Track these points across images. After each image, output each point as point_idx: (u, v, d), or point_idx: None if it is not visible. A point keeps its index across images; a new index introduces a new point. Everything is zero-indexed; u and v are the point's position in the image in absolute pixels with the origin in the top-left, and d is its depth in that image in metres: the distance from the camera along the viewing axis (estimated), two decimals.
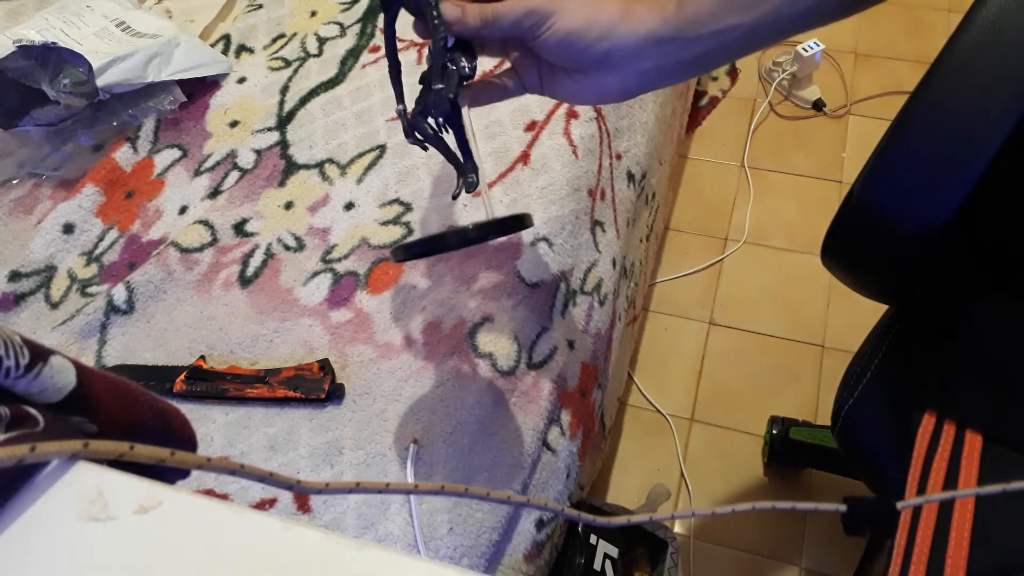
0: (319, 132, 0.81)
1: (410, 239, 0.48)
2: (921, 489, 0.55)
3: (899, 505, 0.37)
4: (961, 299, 0.62)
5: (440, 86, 0.47)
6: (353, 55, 0.87)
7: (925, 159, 0.54)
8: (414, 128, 0.49)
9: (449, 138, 0.50)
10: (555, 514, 0.68)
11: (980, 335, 0.61)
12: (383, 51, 0.88)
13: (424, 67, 0.49)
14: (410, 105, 0.51)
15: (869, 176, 0.56)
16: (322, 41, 0.89)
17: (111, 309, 0.70)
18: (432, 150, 0.51)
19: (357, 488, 0.25)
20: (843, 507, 0.37)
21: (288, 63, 0.88)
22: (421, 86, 0.49)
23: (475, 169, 0.50)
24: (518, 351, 0.66)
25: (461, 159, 0.50)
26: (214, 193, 0.78)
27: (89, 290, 0.73)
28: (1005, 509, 0.53)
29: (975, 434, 0.58)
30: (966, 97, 0.53)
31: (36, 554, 0.24)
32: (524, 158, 0.75)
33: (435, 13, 0.45)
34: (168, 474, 0.29)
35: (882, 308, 0.73)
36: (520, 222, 0.48)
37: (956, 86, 0.53)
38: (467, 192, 0.50)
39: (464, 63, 0.47)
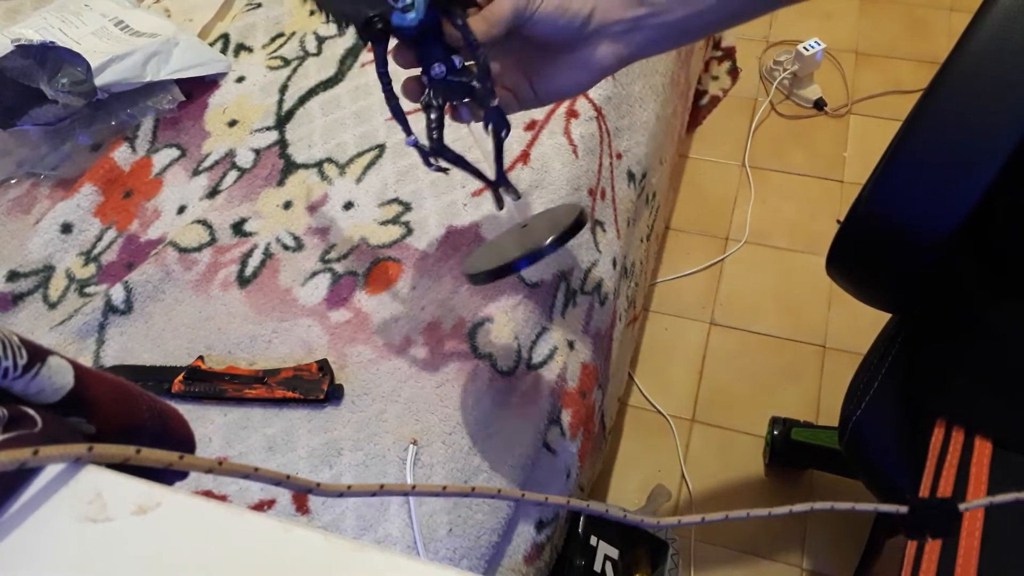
0: (318, 131, 0.81)
1: (489, 267, 0.50)
2: (932, 496, 0.55)
3: (961, 507, 0.37)
4: (968, 305, 0.62)
5: (495, 102, 0.47)
6: (352, 54, 0.87)
7: (933, 167, 0.53)
8: (439, 154, 0.48)
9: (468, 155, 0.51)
10: (555, 515, 0.67)
11: (988, 340, 0.60)
12: None
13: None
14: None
15: (876, 185, 0.55)
16: (321, 40, 0.89)
17: (109, 309, 0.70)
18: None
19: (381, 491, 0.25)
20: (903, 509, 0.36)
21: (287, 62, 0.87)
22: (428, 110, 0.48)
23: (506, 179, 0.51)
24: (518, 351, 0.65)
25: (493, 174, 0.51)
26: (213, 193, 0.78)
27: (87, 290, 0.73)
28: (1014, 518, 0.53)
29: (984, 440, 0.57)
30: (974, 104, 0.52)
31: (34, 555, 0.23)
32: (524, 157, 0.75)
33: (471, 36, 0.45)
34: (167, 475, 0.29)
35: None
36: (579, 223, 0.50)
37: (963, 93, 0.52)
38: (514, 201, 0.53)
39: (477, 83, 0.47)
